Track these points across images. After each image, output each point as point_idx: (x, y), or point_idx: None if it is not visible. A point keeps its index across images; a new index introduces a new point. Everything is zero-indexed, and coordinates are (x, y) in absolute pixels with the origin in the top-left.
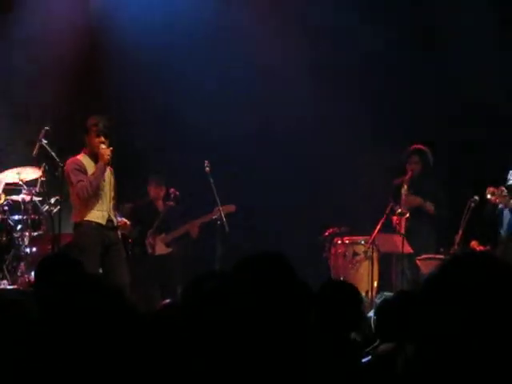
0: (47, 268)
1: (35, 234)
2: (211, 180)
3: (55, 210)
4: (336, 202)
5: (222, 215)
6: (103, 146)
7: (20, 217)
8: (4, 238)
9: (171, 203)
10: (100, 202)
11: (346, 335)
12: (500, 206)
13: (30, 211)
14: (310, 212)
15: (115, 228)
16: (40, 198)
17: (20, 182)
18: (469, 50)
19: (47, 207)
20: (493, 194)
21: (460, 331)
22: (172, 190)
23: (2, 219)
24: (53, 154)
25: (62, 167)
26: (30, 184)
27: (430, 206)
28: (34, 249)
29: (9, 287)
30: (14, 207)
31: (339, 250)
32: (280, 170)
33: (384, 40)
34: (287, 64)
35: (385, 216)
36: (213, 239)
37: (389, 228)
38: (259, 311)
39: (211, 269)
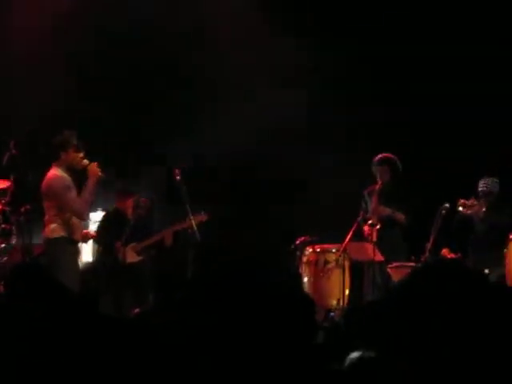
0: (17, 277)
1: (5, 244)
2: (182, 189)
3: (25, 220)
4: (307, 211)
5: (193, 225)
6: (87, 162)
7: None
8: None
9: (141, 211)
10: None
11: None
12: (471, 216)
13: (0, 221)
14: (281, 221)
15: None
16: (10, 208)
17: None
18: None
19: (17, 217)
20: (464, 206)
21: (430, 339)
22: (142, 198)
23: None
24: (22, 164)
25: (32, 177)
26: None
27: (400, 216)
28: (5, 259)
29: None
30: None
31: (310, 259)
32: (251, 179)
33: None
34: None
35: (356, 224)
36: (185, 247)
37: (360, 236)
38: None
39: (183, 278)
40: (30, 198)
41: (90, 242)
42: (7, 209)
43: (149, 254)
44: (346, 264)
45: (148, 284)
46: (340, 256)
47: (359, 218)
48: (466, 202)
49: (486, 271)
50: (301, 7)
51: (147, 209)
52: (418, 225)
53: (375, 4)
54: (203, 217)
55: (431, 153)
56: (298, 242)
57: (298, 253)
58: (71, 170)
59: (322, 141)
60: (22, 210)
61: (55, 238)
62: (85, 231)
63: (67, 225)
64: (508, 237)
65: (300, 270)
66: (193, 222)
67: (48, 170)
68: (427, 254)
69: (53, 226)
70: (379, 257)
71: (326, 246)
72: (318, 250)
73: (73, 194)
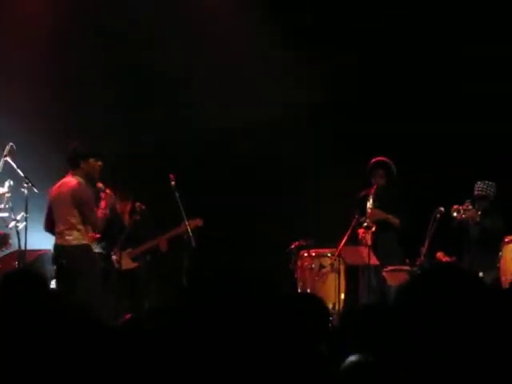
0: (10, 284)
1: (1, 250)
2: (177, 194)
3: (21, 227)
4: (302, 215)
5: (189, 230)
6: (102, 186)
7: None
8: None
9: (137, 217)
10: None
11: (310, 347)
12: (466, 220)
13: None
14: (276, 225)
15: None
16: (6, 214)
17: None
18: None
19: (13, 223)
20: (458, 211)
21: (431, 344)
22: (138, 204)
23: None
24: (18, 170)
25: (28, 183)
26: None
27: (394, 220)
28: (0, 265)
29: None
30: None
31: (305, 263)
32: (245, 183)
33: None
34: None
35: (351, 228)
36: (180, 253)
37: (355, 241)
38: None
39: (178, 284)
40: (25, 205)
41: None
42: (3, 215)
43: (144, 260)
44: (341, 268)
45: (144, 290)
46: (335, 260)
47: (354, 223)
48: (460, 208)
49: (481, 274)
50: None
51: (143, 214)
52: (412, 228)
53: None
54: (198, 222)
55: (426, 156)
56: (293, 246)
57: (293, 257)
58: (89, 178)
59: (315, 145)
60: (18, 216)
61: (77, 246)
62: (90, 234)
63: (88, 232)
64: (503, 240)
65: (295, 275)
66: (188, 227)
67: (64, 177)
68: (422, 257)
69: (75, 233)
70: (374, 260)
71: (321, 250)
72: (313, 254)
73: (94, 204)
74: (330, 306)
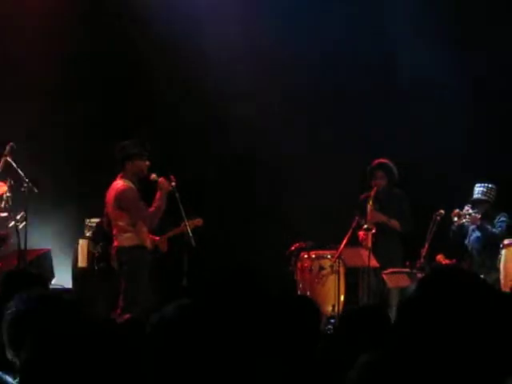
0: (10, 284)
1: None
2: (177, 194)
3: (21, 226)
4: (301, 217)
5: (188, 230)
6: (155, 177)
7: None
8: None
9: None
10: None
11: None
12: (466, 223)
13: None
14: (276, 227)
15: None
16: (6, 214)
17: None
18: None
19: (13, 223)
20: (459, 216)
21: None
22: None
23: None
24: (18, 169)
25: (28, 183)
26: None
27: (394, 223)
28: (0, 264)
29: None
30: None
31: (305, 265)
32: (246, 184)
33: None
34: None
35: (351, 230)
36: (180, 253)
37: (355, 242)
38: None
39: (178, 284)
40: (25, 204)
41: (85, 247)
42: (3, 214)
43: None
44: (341, 270)
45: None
46: (335, 262)
47: (354, 224)
48: (460, 212)
49: (481, 277)
50: None
51: None
52: (413, 231)
53: None
54: (198, 222)
55: (427, 157)
56: (292, 248)
57: (292, 259)
58: (137, 178)
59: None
60: (18, 216)
61: (130, 247)
62: (150, 236)
63: (140, 233)
64: (502, 242)
65: (295, 276)
66: (188, 227)
67: (114, 180)
68: (422, 259)
69: (127, 235)
70: (374, 262)
71: (320, 251)
72: (313, 256)
73: (141, 203)
74: (330, 307)
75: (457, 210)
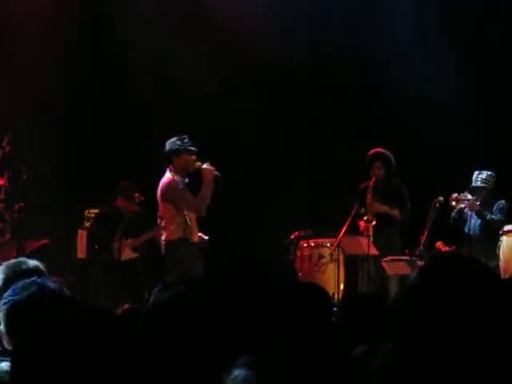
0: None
1: None
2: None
3: (19, 217)
4: (301, 205)
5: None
6: (199, 164)
7: None
8: None
9: (136, 208)
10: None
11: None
12: (465, 209)
13: None
14: (275, 215)
15: None
16: (3, 205)
17: None
18: None
19: (11, 214)
20: (457, 200)
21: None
22: (137, 194)
23: None
24: (16, 160)
25: (26, 174)
26: None
27: (395, 212)
28: None
29: None
30: None
31: (305, 253)
32: (244, 173)
33: None
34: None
35: (350, 218)
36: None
37: (354, 231)
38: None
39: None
40: (23, 195)
41: (85, 239)
42: (1, 206)
43: (144, 251)
44: (341, 258)
45: (144, 281)
46: (334, 250)
47: (353, 213)
48: (458, 197)
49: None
50: None
51: (142, 205)
52: (411, 218)
53: None
54: None
55: (424, 145)
56: (292, 236)
57: (292, 247)
58: (185, 173)
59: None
60: (16, 207)
61: (175, 240)
62: (200, 235)
63: (185, 226)
64: (502, 229)
65: (294, 265)
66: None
67: (162, 175)
68: (421, 247)
69: (172, 227)
70: (373, 250)
71: (320, 240)
72: (313, 244)
73: (187, 192)
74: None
75: (455, 195)
